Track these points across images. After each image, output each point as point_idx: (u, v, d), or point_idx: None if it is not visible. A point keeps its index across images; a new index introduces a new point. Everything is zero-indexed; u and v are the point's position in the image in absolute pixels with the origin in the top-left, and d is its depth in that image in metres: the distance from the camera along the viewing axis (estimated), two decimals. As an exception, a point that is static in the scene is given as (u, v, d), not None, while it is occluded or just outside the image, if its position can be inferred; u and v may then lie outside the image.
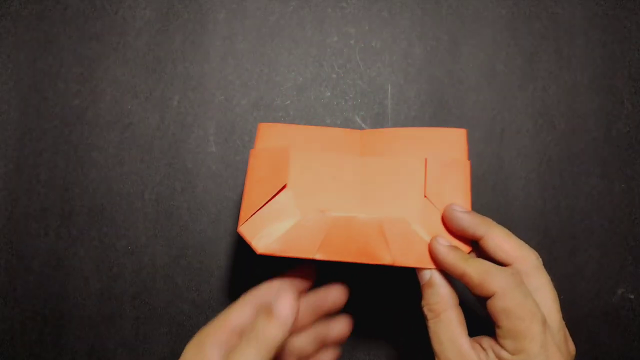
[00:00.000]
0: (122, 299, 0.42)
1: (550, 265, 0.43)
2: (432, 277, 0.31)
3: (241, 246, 0.42)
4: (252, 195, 0.32)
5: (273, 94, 0.43)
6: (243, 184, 0.43)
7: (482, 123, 0.43)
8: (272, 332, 0.28)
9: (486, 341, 0.29)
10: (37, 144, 0.43)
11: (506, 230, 0.31)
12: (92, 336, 0.42)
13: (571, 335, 0.43)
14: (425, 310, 0.30)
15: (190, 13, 0.44)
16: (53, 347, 0.42)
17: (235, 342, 0.30)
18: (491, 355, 0.28)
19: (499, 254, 0.30)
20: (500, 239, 0.30)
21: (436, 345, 0.29)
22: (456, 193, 0.32)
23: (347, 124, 0.43)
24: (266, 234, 0.31)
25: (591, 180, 0.43)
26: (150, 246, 0.42)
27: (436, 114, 0.43)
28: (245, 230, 0.31)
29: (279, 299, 0.29)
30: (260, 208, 0.32)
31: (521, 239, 0.44)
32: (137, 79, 0.43)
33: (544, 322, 0.28)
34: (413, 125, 0.43)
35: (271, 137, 0.34)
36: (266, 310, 0.29)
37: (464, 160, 0.33)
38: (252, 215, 0.31)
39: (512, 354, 0.27)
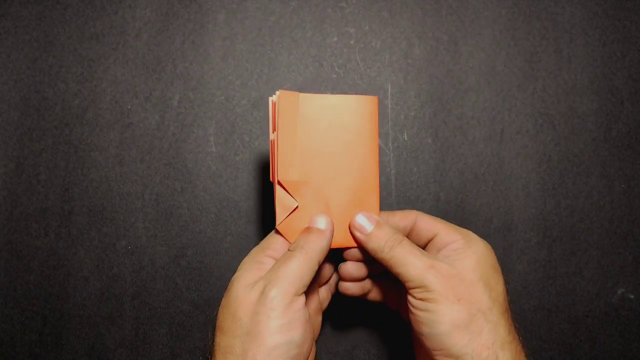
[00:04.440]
0: (122, 299, 0.42)
1: (550, 265, 0.43)
2: (378, 222, 0.34)
3: (240, 246, 0.42)
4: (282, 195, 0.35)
5: (273, 94, 0.43)
6: (243, 184, 0.43)
7: (482, 123, 0.43)
8: (317, 243, 0.32)
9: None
10: (37, 144, 0.43)
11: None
12: (92, 336, 0.42)
13: (571, 335, 0.43)
14: (385, 245, 0.32)
15: (190, 13, 0.44)
16: (53, 347, 0.42)
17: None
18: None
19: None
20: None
21: (401, 268, 0.31)
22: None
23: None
24: (296, 229, 0.35)
25: (591, 180, 0.43)
26: (150, 246, 0.42)
27: (436, 114, 0.43)
28: (283, 229, 0.34)
29: (317, 218, 0.34)
30: (294, 210, 0.34)
31: (521, 239, 0.44)
32: (137, 79, 0.43)
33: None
34: (412, 126, 0.43)
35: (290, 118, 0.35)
36: (306, 229, 0.33)
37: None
38: (287, 217, 0.34)
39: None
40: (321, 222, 0.34)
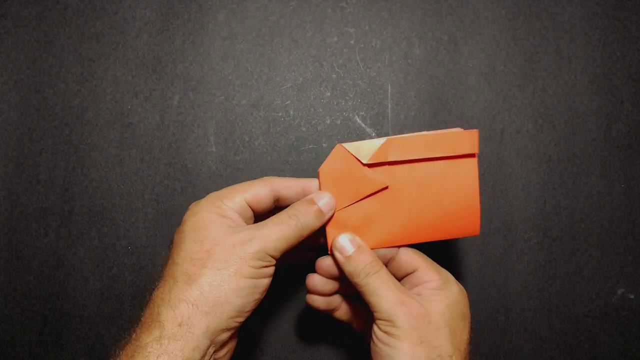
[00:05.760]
0: (122, 299, 0.42)
1: (550, 265, 0.43)
2: (360, 246, 0.33)
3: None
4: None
5: (273, 94, 0.43)
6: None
7: (482, 123, 0.43)
8: (310, 219, 0.33)
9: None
10: (37, 144, 0.43)
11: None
12: (92, 336, 0.42)
13: (571, 335, 0.43)
14: (362, 271, 0.32)
15: (190, 13, 0.44)
16: (53, 347, 0.42)
17: (248, 213, 0.34)
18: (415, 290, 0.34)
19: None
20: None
21: (372, 297, 0.32)
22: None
23: (347, 123, 0.43)
24: None
25: (591, 180, 0.43)
26: (150, 246, 0.42)
27: (436, 114, 0.43)
28: (323, 173, 0.34)
29: (323, 196, 0.33)
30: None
31: (521, 239, 0.44)
32: (137, 79, 0.43)
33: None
34: (412, 125, 0.43)
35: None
36: (309, 200, 0.33)
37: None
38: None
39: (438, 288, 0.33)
40: (325, 203, 0.33)
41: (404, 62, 0.44)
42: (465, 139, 0.33)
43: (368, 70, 0.44)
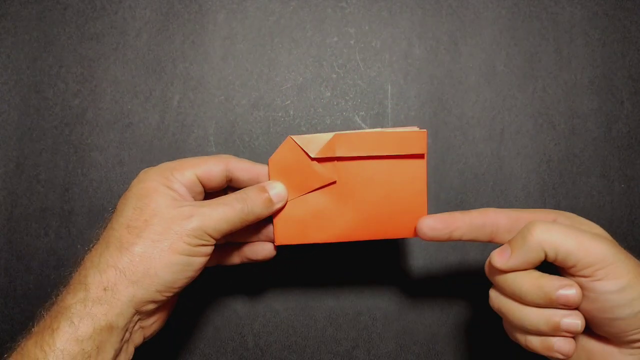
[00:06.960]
0: (122, 299, 0.42)
1: (551, 265, 0.43)
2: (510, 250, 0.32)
3: (241, 246, 0.42)
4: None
5: (273, 94, 0.43)
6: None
7: (482, 123, 0.43)
8: (258, 206, 0.32)
9: None
10: (37, 144, 0.43)
11: (571, 230, 0.30)
12: (92, 336, 0.42)
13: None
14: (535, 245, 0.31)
15: (190, 13, 0.44)
16: (53, 347, 0.42)
17: (198, 188, 0.33)
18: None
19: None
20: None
21: (580, 253, 0.29)
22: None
23: (347, 123, 0.43)
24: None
25: (591, 180, 0.43)
26: (150, 246, 0.42)
27: (436, 114, 0.43)
28: (273, 163, 0.34)
29: (275, 185, 0.33)
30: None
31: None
32: (137, 79, 0.43)
33: None
34: (412, 125, 0.43)
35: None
36: (261, 187, 0.33)
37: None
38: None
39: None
40: (277, 193, 0.33)
41: (404, 62, 0.44)
42: (414, 140, 0.33)
43: (368, 70, 0.44)
